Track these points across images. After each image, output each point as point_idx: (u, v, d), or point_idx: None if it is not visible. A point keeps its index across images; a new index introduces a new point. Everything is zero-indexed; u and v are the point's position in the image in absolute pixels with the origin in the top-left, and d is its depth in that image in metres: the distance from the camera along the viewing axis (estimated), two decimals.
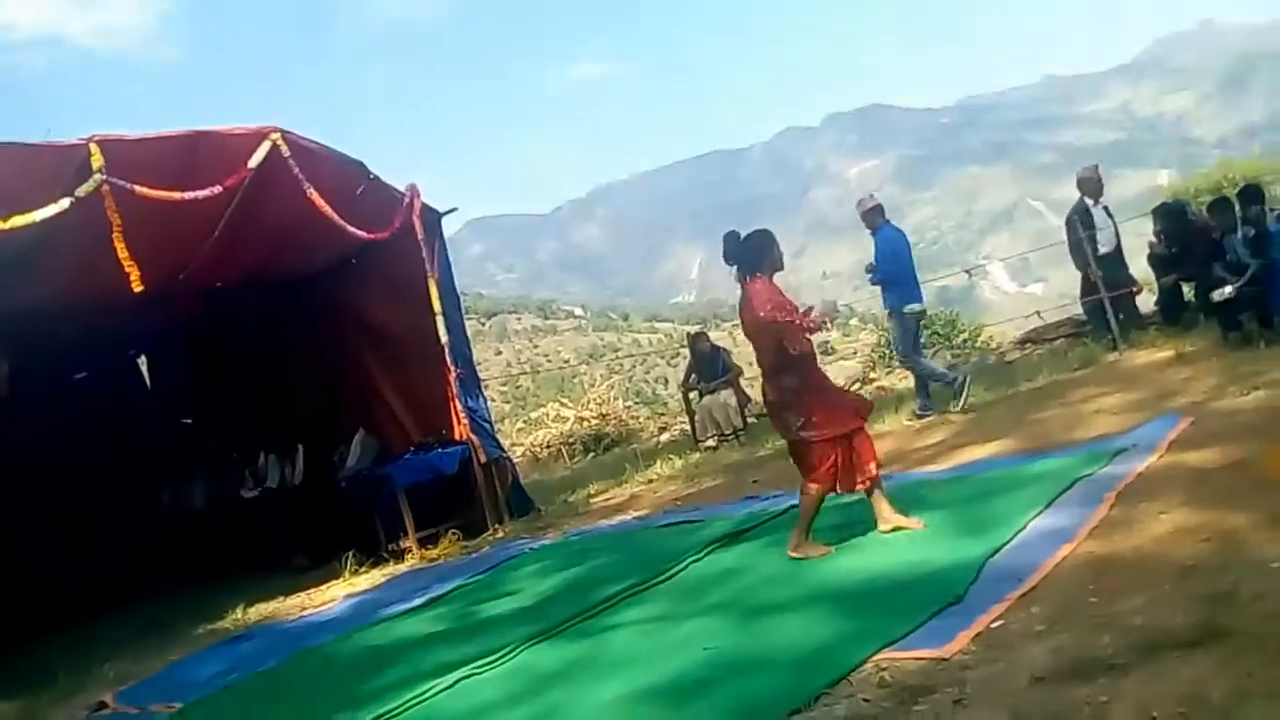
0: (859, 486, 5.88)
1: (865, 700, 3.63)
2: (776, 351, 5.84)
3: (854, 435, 5.84)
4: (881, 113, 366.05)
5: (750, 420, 12.43)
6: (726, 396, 12.41)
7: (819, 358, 6.11)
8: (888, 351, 23.77)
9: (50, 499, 12.44)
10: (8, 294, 9.17)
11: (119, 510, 12.92)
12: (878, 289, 10.42)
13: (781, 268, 6.05)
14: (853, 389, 14.23)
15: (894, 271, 10.27)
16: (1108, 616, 3.76)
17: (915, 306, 10.32)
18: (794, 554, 5.84)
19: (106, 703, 6.72)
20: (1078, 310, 13.62)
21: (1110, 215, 11.42)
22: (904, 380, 14.78)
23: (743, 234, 6.07)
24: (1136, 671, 3.24)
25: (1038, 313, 17.46)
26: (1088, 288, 11.59)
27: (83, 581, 11.99)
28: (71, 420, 12.97)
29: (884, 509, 5.91)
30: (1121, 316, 11.21)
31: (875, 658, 3.96)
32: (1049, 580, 4.37)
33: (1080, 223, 11.21)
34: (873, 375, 16.78)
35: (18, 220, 7.13)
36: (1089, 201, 11.27)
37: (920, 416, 10.06)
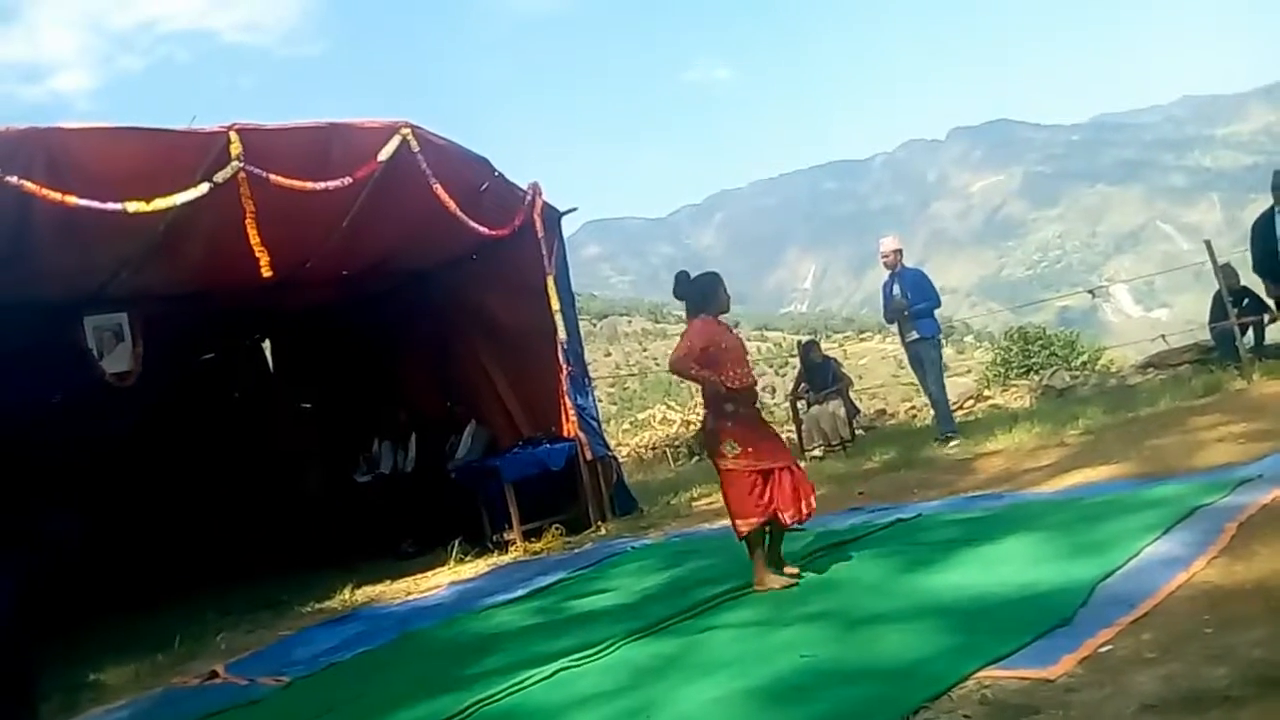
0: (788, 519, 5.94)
1: (965, 716, 3.56)
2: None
3: (775, 472, 5.91)
4: (1009, 127, 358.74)
5: (858, 432, 12.31)
6: (835, 407, 12.32)
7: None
8: (1003, 370, 23.38)
9: (174, 475, 12.86)
10: (145, 275, 9.57)
11: (238, 489, 13.31)
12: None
13: (727, 309, 6.22)
14: (966, 405, 14.02)
15: (931, 304, 11.07)
16: (1224, 648, 3.62)
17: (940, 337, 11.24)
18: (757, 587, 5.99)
19: (218, 672, 6.91)
20: (1205, 336, 13.20)
21: None
22: (1018, 399, 14.49)
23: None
24: (1253, 706, 3.11)
25: (1163, 336, 17.00)
26: (1218, 312, 11.20)
27: (200, 555, 12.40)
28: (196, 400, 13.41)
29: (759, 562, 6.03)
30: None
31: (978, 675, 3.88)
32: (1162, 607, 4.24)
33: (1261, 233, 10.42)
34: (987, 393, 16.47)
35: (160, 203, 7.43)
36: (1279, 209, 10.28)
37: (949, 439, 10.63)
